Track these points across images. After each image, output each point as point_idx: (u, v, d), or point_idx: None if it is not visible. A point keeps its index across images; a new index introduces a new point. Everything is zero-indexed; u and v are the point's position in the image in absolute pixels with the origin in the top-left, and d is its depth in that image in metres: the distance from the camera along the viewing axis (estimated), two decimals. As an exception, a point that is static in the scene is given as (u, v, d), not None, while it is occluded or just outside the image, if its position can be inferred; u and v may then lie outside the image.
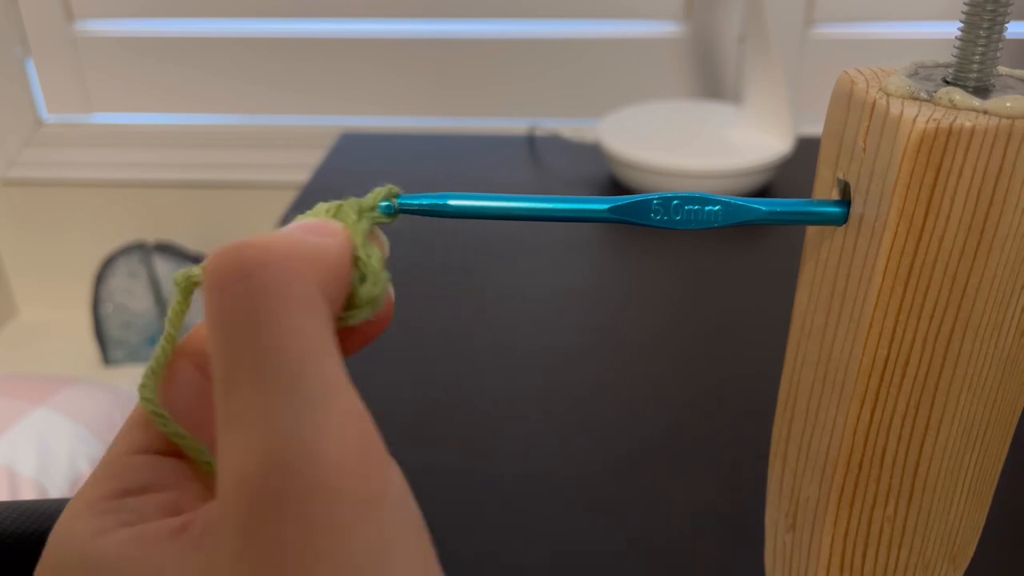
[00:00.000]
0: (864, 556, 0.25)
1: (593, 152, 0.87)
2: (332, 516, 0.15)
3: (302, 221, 0.20)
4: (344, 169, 0.90)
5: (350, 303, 0.20)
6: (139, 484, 0.19)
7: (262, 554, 0.15)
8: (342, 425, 0.16)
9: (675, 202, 0.21)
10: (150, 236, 1.23)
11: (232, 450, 0.16)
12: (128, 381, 1.12)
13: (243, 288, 0.17)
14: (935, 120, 0.19)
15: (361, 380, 0.19)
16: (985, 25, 0.20)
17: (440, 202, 0.22)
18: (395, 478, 0.17)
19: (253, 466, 0.15)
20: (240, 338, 0.16)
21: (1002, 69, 0.22)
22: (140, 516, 0.18)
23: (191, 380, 0.21)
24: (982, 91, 0.20)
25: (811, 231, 0.24)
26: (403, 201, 0.22)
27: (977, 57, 0.21)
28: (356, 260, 0.20)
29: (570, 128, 0.95)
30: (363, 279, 0.20)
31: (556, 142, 0.94)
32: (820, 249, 0.23)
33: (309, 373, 0.16)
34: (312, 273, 0.17)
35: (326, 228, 0.20)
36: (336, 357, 0.17)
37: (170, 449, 0.20)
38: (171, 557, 0.17)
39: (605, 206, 0.22)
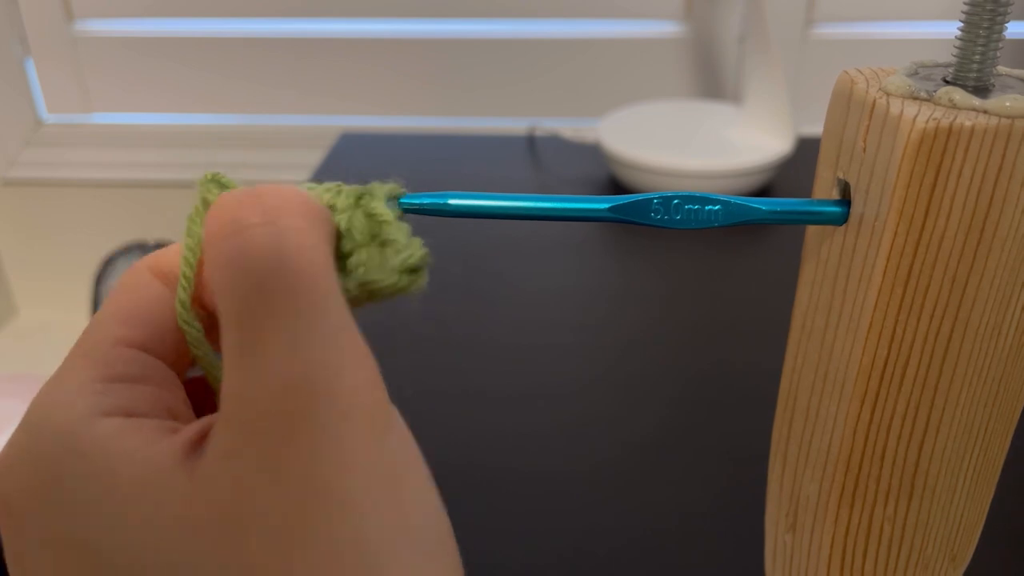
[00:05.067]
0: (864, 555, 0.25)
1: (593, 152, 0.87)
2: (354, 434, 0.16)
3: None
4: (344, 169, 0.90)
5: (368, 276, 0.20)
6: (130, 374, 0.19)
7: (290, 467, 0.16)
8: (356, 359, 0.17)
9: (675, 201, 0.21)
10: (150, 236, 1.23)
11: (253, 373, 0.16)
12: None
13: (269, 229, 0.18)
14: (935, 119, 0.19)
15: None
16: (985, 25, 0.20)
17: (440, 201, 0.22)
18: (397, 415, 0.18)
19: (278, 388, 0.16)
20: (263, 274, 0.17)
21: (1002, 69, 0.22)
22: (133, 405, 0.18)
23: (154, 287, 0.21)
24: (982, 91, 0.20)
25: (811, 231, 0.24)
26: (404, 200, 0.22)
27: (977, 57, 0.21)
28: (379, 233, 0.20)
29: (570, 128, 0.95)
30: (393, 249, 0.20)
31: (556, 142, 0.94)
32: (820, 249, 0.23)
33: (330, 311, 0.17)
34: (322, 223, 0.19)
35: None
36: (343, 301, 0.18)
37: (155, 349, 0.20)
38: (178, 468, 0.17)
39: (605, 205, 0.22)
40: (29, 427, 0.18)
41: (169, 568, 0.16)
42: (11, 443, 0.18)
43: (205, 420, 0.18)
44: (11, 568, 0.18)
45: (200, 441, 0.17)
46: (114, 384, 0.18)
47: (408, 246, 0.20)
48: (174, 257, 0.22)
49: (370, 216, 0.20)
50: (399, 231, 0.20)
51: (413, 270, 0.20)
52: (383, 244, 0.20)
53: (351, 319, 0.18)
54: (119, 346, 0.19)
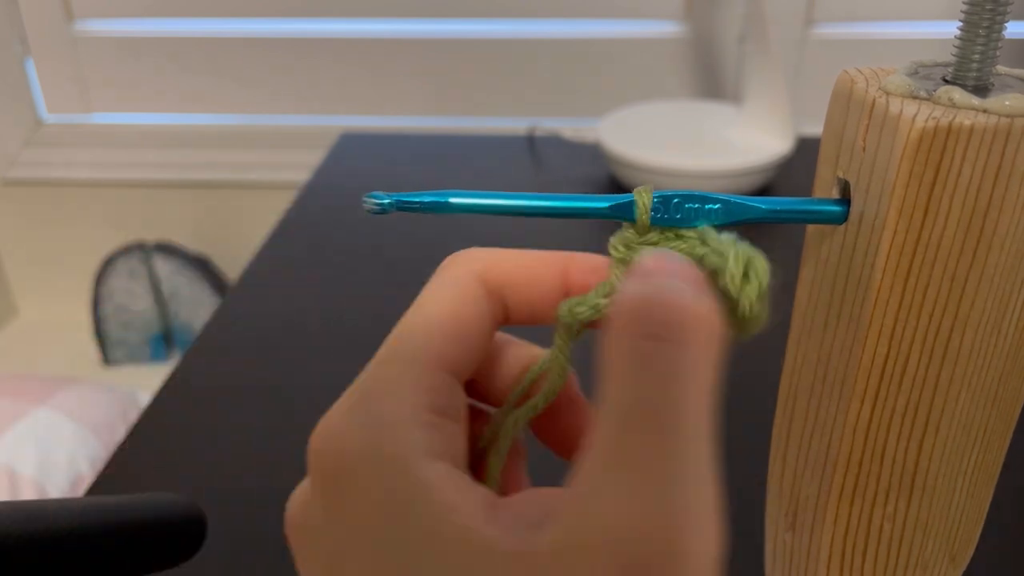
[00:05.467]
0: (864, 555, 0.25)
1: (593, 152, 0.87)
2: None
3: (678, 263, 0.19)
4: (344, 169, 0.90)
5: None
6: (450, 408, 0.19)
7: None
8: (713, 520, 0.16)
9: (675, 200, 0.21)
10: (150, 236, 1.23)
11: (617, 494, 0.16)
12: (128, 381, 1.12)
13: (676, 350, 0.17)
14: (934, 119, 0.19)
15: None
16: (984, 24, 0.21)
17: (441, 200, 0.22)
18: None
19: (634, 521, 0.16)
20: (655, 400, 0.16)
21: (1001, 68, 0.22)
22: (454, 449, 0.19)
23: (478, 299, 0.21)
24: (981, 90, 0.20)
25: (811, 230, 0.24)
26: (404, 199, 0.22)
27: (976, 56, 0.21)
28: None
29: (570, 128, 0.95)
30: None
31: (556, 142, 0.94)
32: (820, 248, 0.23)
33: (705, 455, 0.16)
34: (715, 348, 0.18)
35: (698, 279, 0.19)
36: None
37: (463, 369, 0.20)
38: (502, 541, 0.17)
39: (605, 204, 0.22)
40: (365, 417, 0.19)
41: None
42: (339, 419, 0.19)
43: (527, 503, 0.18)
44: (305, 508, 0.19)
45: (518, 524, 0.17)
46: (440, 419, 0.19)
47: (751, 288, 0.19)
48: (509, 270, 0.21)
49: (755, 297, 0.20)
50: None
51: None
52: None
53: (710, 475, 0.17)
54: (442, 369, 0.20)
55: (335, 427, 0.19)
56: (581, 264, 0.22)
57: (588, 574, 0.16)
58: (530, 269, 0.22)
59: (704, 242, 0.21)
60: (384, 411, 0.18)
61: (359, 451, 0.18)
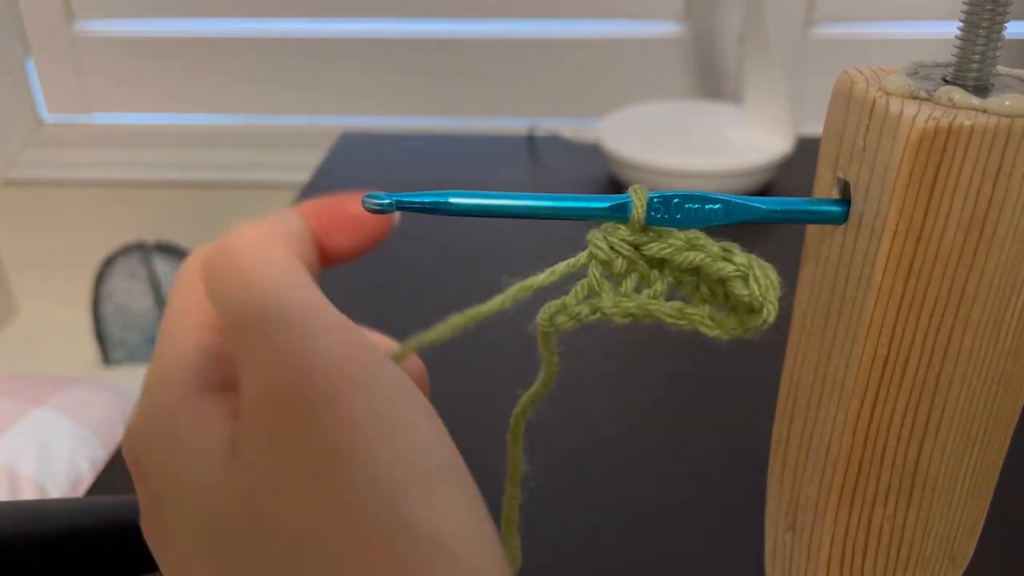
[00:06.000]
0: (864, 555, 0.25)
1: (593, 152, 0.87)
2: (348, 394, 0.18)
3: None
4: (344, 169, 0.90)
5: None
6: (220, 352, 0.22)
7: (297, 440, 0.18)
8: (337, 334, 0.19)
9: (675, 200, 0.21)
10: (150, 236, 1.23)
11: (253, 373, 0.19)
12: (128, 381, 1.12)
13: (225, 258, 0.21)
14: (934, 119, 0.19)
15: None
16: (984, 25, 0.21)
17: (441, 200, 0.22)
18: (389, 365, 0.20)
19: (278, 379, 0.19)
20: (230, 291, 0.21)
21: (1001, 69, 0.22)
22: (226, 376, 0.21)
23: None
24: (981, 90, 0.20)
25: (811, 230, 0.24)
26: (404, 199, 0.22)
27: (976, 56, 0.21)
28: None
29: (570, 128, 0.95)
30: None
31: (556, 142, 0.94)
32: (820, 248, 0.23)
33: (292, 304, 0.20)
34: (272, 233, 0.22)
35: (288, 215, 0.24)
36: (311, 287, 0.21)
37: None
38: (220, 463, 0.19)
39: (605, 204, 0.22)
40: (148, 389, 0.22)
41: (208, 531, 0.19)
42: (139, 402, 0.22)
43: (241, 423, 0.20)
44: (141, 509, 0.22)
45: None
46: (209, 358, 0.22)
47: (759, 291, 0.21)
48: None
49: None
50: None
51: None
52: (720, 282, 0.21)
53: (319, 298, 0.20)
54: (207, 348, 0.22)
55: (130, 429, 0.21)
56: (308, 208, 0.25)
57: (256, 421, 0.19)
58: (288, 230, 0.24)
59: (698, 247, 0.21)
60: (161, 384, 0.21)
61: (144, 426, 0.21)
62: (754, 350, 0.60)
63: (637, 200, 0.21)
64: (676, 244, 0.21)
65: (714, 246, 0.21)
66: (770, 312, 0.21)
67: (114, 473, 0.50)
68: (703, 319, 0.22)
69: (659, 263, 0.22)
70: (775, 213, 0.22)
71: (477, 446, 0.53)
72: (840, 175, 0.22)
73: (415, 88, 1.16)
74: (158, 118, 1.22)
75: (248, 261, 0.21)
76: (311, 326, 0.19)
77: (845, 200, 0.22)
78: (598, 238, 0.22)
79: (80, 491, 0.80)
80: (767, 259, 0.21)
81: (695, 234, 0.21)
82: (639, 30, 1.09)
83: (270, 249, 0.22)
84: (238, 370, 0.20)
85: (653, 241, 0.22)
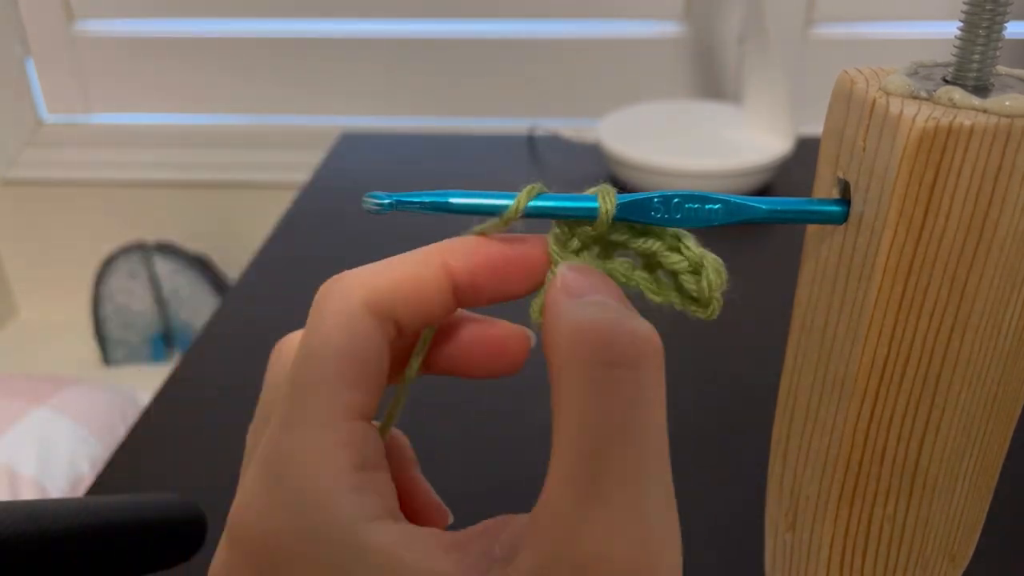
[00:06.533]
0: (864, 555, 0.25)
1: (593, 152, 0.87)
2: None
3: (599, 279, 0.21)
4: (344, 169, 0.90)
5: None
6: (373, 460, 0.18)
7: None
8: (678, 532, 0.17)
9: (675, 200, 0.21)
10: (150, 236, 1.23)
11: (593, 519, 0.16)
12: (128, 381, 1.12)
13: (632, 377, 0.18)
14: (934, 119, 0.19)
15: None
16: (984, 25, 0.21)
17: (441, 200, 0.22)
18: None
19: (613, 545, 0.16)
20: (617, 426, 0.17)
21: (1001, 68, 0.22)
22: (391, 502, 0.18)
23: (369, 331, 0.20)
24: (981, 90, 0.20)
25: (811, 230, 0.24)
26: (404, 199, 0.22)
27: (976, 56, 0.21)
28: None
29: (570, 128, 0.95)
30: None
31: (556, 142, 0.94)
32: (820, 248, 0.23)
33: (667, 472, 0.17)
34: (662, 368, 0.18)
35: (620, 295, 0.20)
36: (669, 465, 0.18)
37: (370, 412, 0.19)
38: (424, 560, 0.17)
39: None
40: (284, 490, 0.18)
41: None
42: (259, 495, 0.18)
43: (487, 537, 0.18)
44: None
45: (483, 561, 0.17)
46: (366, 474, 0.18)
47: (707, 279, 0.21)
48: (393, 287, 0.20)
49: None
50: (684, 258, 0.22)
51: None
52: (673, 273, 0.22)
53: (672, 488, 0.18)
54: (353, 419, 0.19)
55: (256, 507, 0.18)
56: (457, 251, 0.21)
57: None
58: (413, 279, 0.20)
59: (654, 234, 0.22)
60: (307, 487, 0.17)
61: (292, 532, 0.17)
62: (754, 350, 0.60)
63: (604, 207, 0.21)
64: (632, 232, 0.22)
65: (668, 235, 0.22)
66: (715, 310, 0.21)
67: (114, 473, 0.50)
68: (648, 283, 0.22)
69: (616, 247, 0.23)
70: (775, 213, 0.22)
71: (477, 445, 0.53)
72: (840, 175, 0.22)
73: (415, 88, 1.16)
74: (158, 118, 1.22)
75: (652, 382, 0.17)
76: (668, 515, 0.17)
77: (845, 200, 0.22)
78: (554, 241, 0.22)
79: (80, 491, 0.80)
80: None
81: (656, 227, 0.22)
82: (639, 30, 1.09)
83: (662, 386, 0.18)
84: (559, 478, 0.17)
85: (614, 232, 0.22)
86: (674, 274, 0.22)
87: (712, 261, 0.21)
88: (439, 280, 0.21)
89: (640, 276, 0.22)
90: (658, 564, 0.16)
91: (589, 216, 0.21)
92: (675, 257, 0.22)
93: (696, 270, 0.21)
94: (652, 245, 0.22)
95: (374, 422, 0.20)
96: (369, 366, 0.19)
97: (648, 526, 0.16)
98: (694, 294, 0.22)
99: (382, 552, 0.17)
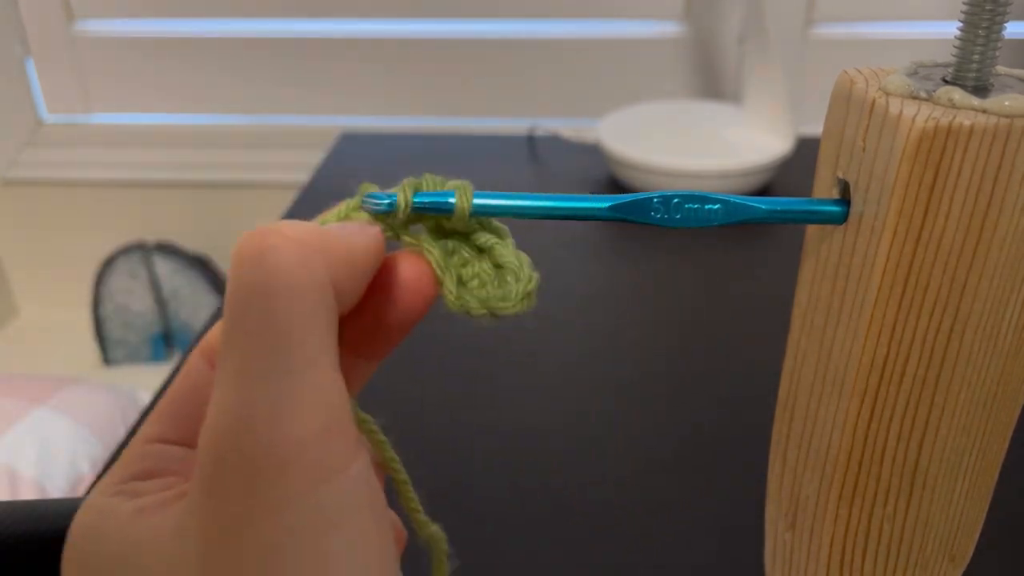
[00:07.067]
0: (864, 554, 0.25)
1: (593, 152, 0.87)
2: (284, 484, 0.17)
3: (343, 221, 0.22)
4: (344, 169, 0.90)
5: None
6: (145, 469, 0.21)
7: (217, 509, 0.17)
8: (309, 401, 0.17)
9: (675, 200, 0.21)
10: (150, 236, 1.23)
11: (211, 409, 0.17)
12: (128, 381, 1.12)
13: (253, 267, 0.18)
14: (934, 119, 0.19)
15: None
16: (984, 25, 0.21)
17: (441, 200, 0.22)
18: (359, 458, 0.18)
19: (223, 426, 0.17)
20: (239, 310, 0.18)
21: (1001, 69, 0.22)
22: (140, 494, 0.20)
23: (200, 372, 0.22)
24: (981, 90, 0.20)
25: (811, 230, 0.24)
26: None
27: (976, 57, 0.21)
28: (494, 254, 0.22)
29: (570, 128, 0.95)
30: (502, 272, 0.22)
31: (556, 142, 0.94)
32: (820, 248, 0.23)
33: (290, 348, 0.17)
34: (319, 260, 0.18)
35: (363, 227, 0.21)
36: (324, 339, 0.18)
37: (183, 439, 0.22)
38: (167, 519, 0.18)
39: (606, 204, 0.22)
40: (73, 528, 0.20)
41: None
42: (71, 530, 0.21)
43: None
44: None
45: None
46: (130, 483, 0.20)
47: (525, 275, 0.22)
48: (215, 333, 0.22)
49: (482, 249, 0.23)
50: (512, 256, 0.22)
51: (528, 295, 0.22)
52: (499, 267, 0.22)
53: (323, 354, 0.18)
54: (145, 444, 0.21)
55: (71, 539, 0.20)
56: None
57: (195, 487, 0.17)
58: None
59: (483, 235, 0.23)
60: (81, 513, 0.20)
61: (74, 551, 0.20)
62: (754, 350, 0.61)
63: (402, 200, 0.22)
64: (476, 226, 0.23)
65: (497, 231, 0.23)
66: (520, 309, 0.22)
67: (114, 473, 0.50)
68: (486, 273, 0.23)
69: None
70: (775, 213, 0.22)
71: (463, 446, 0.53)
72: (840, 175, 0.22)
73: (415, 88, 1.16)
74: (158, 118, 1.22)
75: (278, 267, 0.18)
76: (297, 381, 0.17)
77: (845, 200, 0.22)
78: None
79: (80, 491, 0.80)
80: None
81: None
82: (639, 30, 1.09)
83: (305, 268, 0.18)
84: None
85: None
86: (498, 267, 0.23)
87: (528, 264, 0.22)
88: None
89: (482, 267, 0.23)
90: (273, 433, 0.17)
91: (447, 212, 0.22)
92: (507, 253, 0.22)
93: (516, 271, 0.22)
94: (488, 240, 0.23)
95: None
96: (182, 397, 0.22)
97: (246, 400, 0.17)
98: (508, 290, 0.22)
99: (111, 531, 0.19)
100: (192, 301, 1.23)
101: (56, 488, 0.79)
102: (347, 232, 0.20)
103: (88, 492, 0.22)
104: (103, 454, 0.84)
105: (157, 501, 0.19)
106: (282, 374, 0.17)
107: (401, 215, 0.22)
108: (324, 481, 0.17)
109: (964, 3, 0.21)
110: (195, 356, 0.22)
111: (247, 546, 0.17)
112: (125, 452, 0.22)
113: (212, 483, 0.17)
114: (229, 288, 0.18)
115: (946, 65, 0.22)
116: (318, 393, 0.17)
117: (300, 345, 0.17)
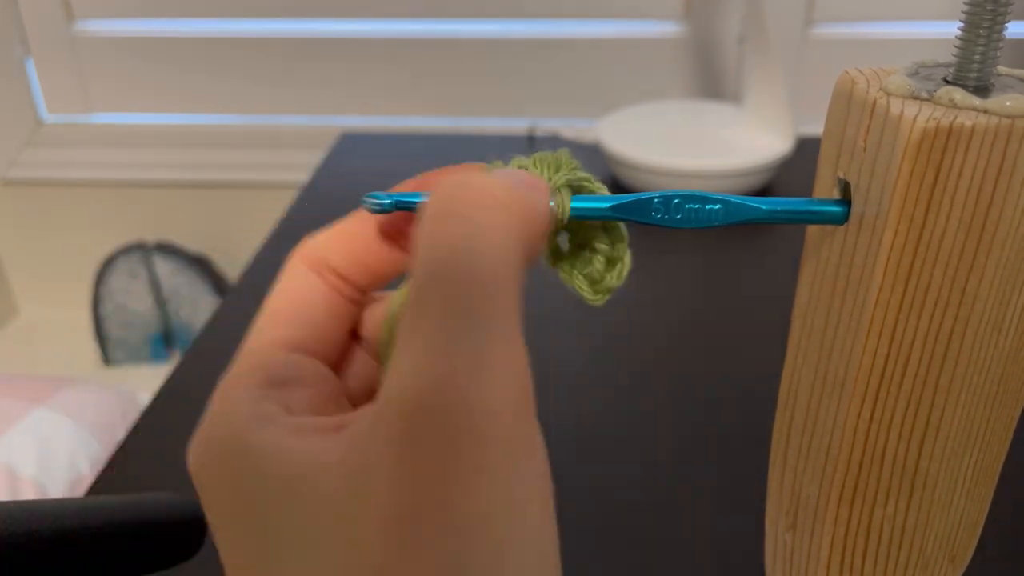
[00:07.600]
0: (864, 555, 0.25)
1: (593, 152, 0.87)
2: (478, 457, 0.16)
3: (513, 172, 0.22)
4: (344, 169, 0.90)
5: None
6: (284, 377, 0.20)
7: (408, 471, 0.16)
8: (509, 374, 0.17)
9: (676, 200, 0.21)
10: (150, 236, 1.23)
11: (406, 365, 0.16)
12: (128, 381, 1.12)
13: (458, 224, 0.17)
14: (935, 119, 0.19)
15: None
16: (985, 25, 0.21)
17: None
18: (538, 436, 0.18)
19: (421, 388, 0.16)
20: (441, 268, 0.17)
21: (1002, 69, 0.22)
22: (289, 409, 0.19)
23: (310, 282, 0.22)
24: (982, 90, 0.20)
25: (812, 230, 0.24)
26: (404, 199, 0.22)
27: (977, 57, 0.21)
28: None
29: (570, 128, 0.95)
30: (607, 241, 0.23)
31: (556, 142, 0.94)
32: (821, 248, 0.23)
33: (495, 317, 0.17)
34: (519, 225, 0.18)
35: (535, 183, 0.20)
36: (517, 310, 0.17)
37: (309, 348, 0.22)
38: (329, 452, 0.17)
39: (606, 204, 0.22)
40: (211, 423, 0.20)
41: (308, 543, 0.17)
42: (198, 435, 0.20)
43: (366, 411, 0.18)
44: (209, 520, 0.20)
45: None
46: (274, 389, 0.20)
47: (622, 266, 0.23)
48: (326, 243, 0.23)
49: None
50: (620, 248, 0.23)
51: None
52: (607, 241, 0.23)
53: (518, 325, 0.17)
54: (277, 349, 0.21)
55: (196, 442, 0.20)
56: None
57: (380, 440, 0.16)
58: (343, 232, 0.23)
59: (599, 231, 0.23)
60: (218, 409, 0.20)
61: (209, 453, 0.19)
62: (754, 350, 0.60)
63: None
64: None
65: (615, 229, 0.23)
66: (602, 299, 0.23)
67: (114, 473, 0.50)
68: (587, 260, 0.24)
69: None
70: (775, 213, 0.22)
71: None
72: (841, 175, 0.22)
73: (415, 88, 1.16)
74: (158, 118, 1.22)
75: (486, 226, 0.17)
76: (499, 353, 0.16)
77: (845, 200, 0.22)
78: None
79: (80, 491, 0.80)
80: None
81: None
82: (639, 30, 1.09)
83: (508, 233, 0.18)
84: (400, 343, 0.17)
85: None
86: (593, 252, 0.23)
87: (628, 262, 0.23)
88: (366, 229, 0.23)
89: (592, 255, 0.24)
90: (467, 396, 0.16)
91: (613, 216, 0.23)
92: (604, 242, 0.23)
93: (613, 262, 0.23)
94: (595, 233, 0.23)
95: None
96: (301, 306, 0.22)
97: (453, 358, 0.16)
98: (597, 277, 0.23)
99: (267, 444, 0.18)
100: (192, 301, 1.23)
101: (56, 488, 0.79)
102: (533, 194, 0.20)
103: (215, 392, 0.20)
104: (103, 454, 0.84)
105: (315, 425, 0.18)
106: (485, 345, 0.16)
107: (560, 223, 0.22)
108: (518, 459, 0.17)
109: (965, 3, 0.21)
110: (298, 264, 0.22)
111: (431, 518, 0.16)
112: (249, 351, 0.21)
113: (404, 442, 0.16)
114: (426, 244, 0.17)
115: (947, 65, 0.22)
116: (515, 367, 0.17)
117: (503, 309, 0.17)
